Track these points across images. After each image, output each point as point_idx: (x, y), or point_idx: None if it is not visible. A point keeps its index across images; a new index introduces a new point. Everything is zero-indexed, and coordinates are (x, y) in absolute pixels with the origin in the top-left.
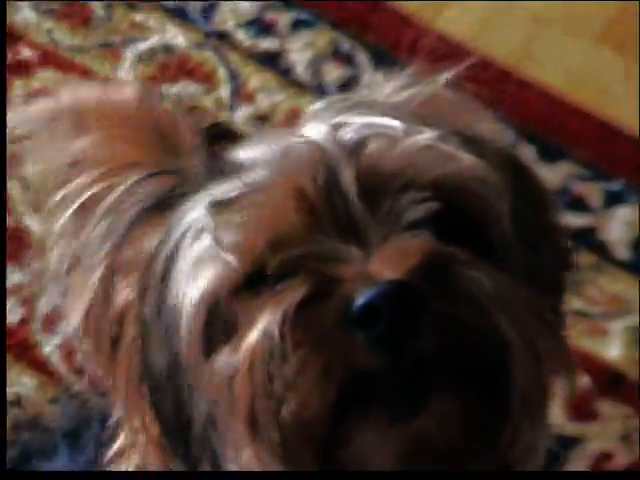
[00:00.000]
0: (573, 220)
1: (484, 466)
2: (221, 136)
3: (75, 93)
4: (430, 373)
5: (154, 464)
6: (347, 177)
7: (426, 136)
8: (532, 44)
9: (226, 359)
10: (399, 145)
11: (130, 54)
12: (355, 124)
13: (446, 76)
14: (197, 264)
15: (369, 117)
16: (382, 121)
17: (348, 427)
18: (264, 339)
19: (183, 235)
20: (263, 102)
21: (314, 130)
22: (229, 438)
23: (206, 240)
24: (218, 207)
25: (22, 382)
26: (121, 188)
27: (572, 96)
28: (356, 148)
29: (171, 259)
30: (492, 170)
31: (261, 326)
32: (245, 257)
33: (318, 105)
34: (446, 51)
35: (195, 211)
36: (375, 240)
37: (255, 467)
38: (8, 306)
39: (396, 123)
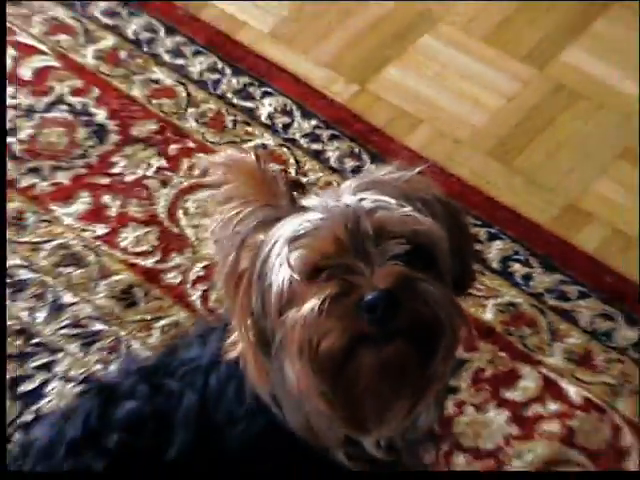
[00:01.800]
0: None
1: (417, 375)
2: (296, 186)
3: (225, 156)
4: (400, 333)
5: (249, 355)
6: (365, 227)
7: (406, 209)
8: None
9: (292, 316)
10: (393, 213)
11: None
12: (370, 198)
13: (416, 169)
14: (279, 266)
15: (377, 195)
16: (384, 198)
17: (354, 354)
18: (312, 310)
19: (274, 244)
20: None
21: (348, 199)
22: (289, 355)
23: (283, 256)
24: (291, 240)
25: (180, 315)
26: (246, 212)
27: None
28: (371, 212)
29: (267, 255)
30: (440, 224)
31: (310, 304)
32: (304, 266)
33: (348, 182)
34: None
35: (281, 231)
36: (376, 264)
37: (300, 374)
38: (173, 274)
39: (391, 200)
